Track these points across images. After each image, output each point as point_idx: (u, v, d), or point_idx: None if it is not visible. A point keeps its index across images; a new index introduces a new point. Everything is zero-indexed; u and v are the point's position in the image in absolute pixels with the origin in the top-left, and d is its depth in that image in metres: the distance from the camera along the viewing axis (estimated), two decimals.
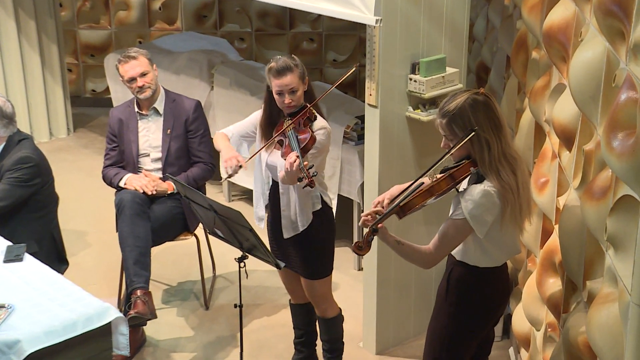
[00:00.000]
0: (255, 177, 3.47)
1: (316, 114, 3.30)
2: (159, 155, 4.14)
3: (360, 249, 2.69)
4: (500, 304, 2.85)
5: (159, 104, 4.16)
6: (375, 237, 2.73)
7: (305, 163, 3.07)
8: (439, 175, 2.69)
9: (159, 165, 4.15)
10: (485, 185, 2.63)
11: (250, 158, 3.29)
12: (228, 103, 5.23)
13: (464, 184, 2.74)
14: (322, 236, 3.40)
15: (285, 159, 3.12)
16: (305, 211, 3.33)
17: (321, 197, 3.37)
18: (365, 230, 2.76)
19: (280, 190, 3.35)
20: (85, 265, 4.66)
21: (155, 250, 4.25)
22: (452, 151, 2.65)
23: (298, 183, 3.10)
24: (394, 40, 3.54)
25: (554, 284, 2.95)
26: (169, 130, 4.14)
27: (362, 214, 2.76)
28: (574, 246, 2.66)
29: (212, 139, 4.30)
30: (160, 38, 6.17)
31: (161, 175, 4.14)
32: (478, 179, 2.65)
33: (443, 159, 2.68)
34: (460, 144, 2.62)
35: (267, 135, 3.33)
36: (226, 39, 6.23)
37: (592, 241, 2.56)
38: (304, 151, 3.15)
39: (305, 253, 3.40)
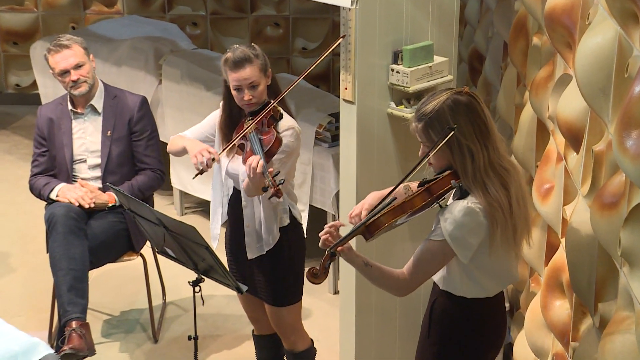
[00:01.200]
0: (214, 187, 3.46)
1: (282, 111, 3.30)
2: (98, 161, 4.12)
3: (316, 277, 2.62)
4: (493, 343, 2.81)
5: (97, 101, 4.14)
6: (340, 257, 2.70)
7: (270, 170, 3.06)
8: (415, 189, 2.66)
9: (98, 173, 4.12)
10: (469, 202, 2.58)
11: (223, 150, 3.25)
12: (179, 99, 5.21)
13: (449, 200, 2.72)
14: (290, 257, 3.40)
15: (248, 161, 3.12)
16: (272, 228, 3.33)
17: (290, 210, 3.37)
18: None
19: (243, 203, 3.34)
20: (9, 294, 4.61)
21: (93, 274, 4.21)
22: (426, 160, 2.60)
23: (263, 193, 3.10)
24: (373, 24, 3.56)
25: (561, 308, 2.98)
26: (109, 132, 4.12)
27: (321, 233, 2.69)
28: (584, 263, 2.69)
29: (160, 141, 4.30)
30: (97, 23, 6.14)
31: (100, 185, 4.11)
32: (462, 194, 2.63)
33: (416, 170, 2.63)
34: (436, 149, 2.58)
35: (227, 138, 3.33)
36: (176, 23, 6.21)
37: (604, 257, 2.59)
38: (268, 156, 3.14)
39: (270, 276, 3.40)
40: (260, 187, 3.07)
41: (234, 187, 3.38)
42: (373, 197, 2.87)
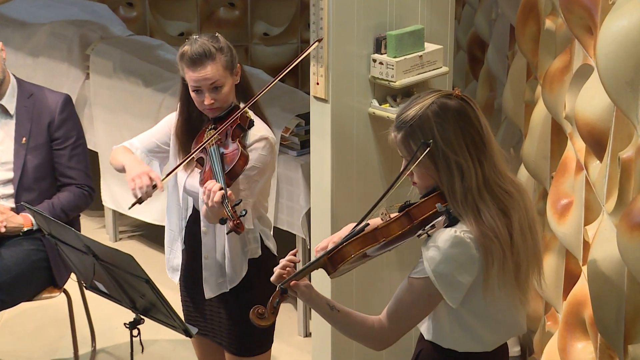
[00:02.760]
0: (169, 208, 3.44)
1: (252, 117, 3.30)
2: (10, 175, 4.10)
3: (262, 318, 2.60)
4: None
5: (9, 101, 4.12)
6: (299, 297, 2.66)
7: (230, 193, 3.05)
8: (393, 214, 2.63)
9: (10, 189, 4.10)
10: (458, 230, 2.55)
11: (167, 176, 3.25)
12: (111, 98, 5.20)
13: (438, 228, 2.66)
14: (260, 296, 3.37)
15: (203, 187, 3.11)
16: (238, 260, 3.31)
17: (261, 239, 3.37)
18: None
19: (202, 229, 3.33)
20: None
21: (4, 315, 4.17)
22: (399, 182, 2.58)
23: (220, 225, 3.09)
24: (351, 5, 3.58)
25: (584, 351, 3.00)
26: (24, 139, 4.10)
27: (280, 262, 2.67)
28: (610, 296, 2.71)
29: (89, 150, 4.28)
30: (7, 3, 6.10)
31: (13, 205, 4.09)
32: (450, 221, 2.59)
33: (389, 193, 2.61)
34: (408, 171, 2.56)
35: (184, 148, 3.32)
36: (107, 4, 6.20)
37: (634, 288, 2.61)
38: (230, 177, 3.13)
39: (234, 319, 3.38)
40: (219, 217, 3.07)
41: (193, 206, 3.38)
42: (349, 229, 2.79)
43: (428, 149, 2.54)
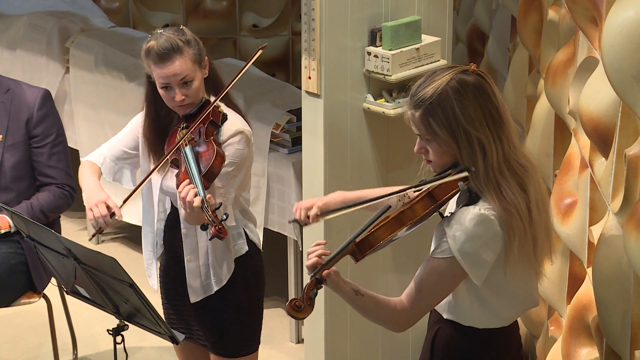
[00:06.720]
0: (145, 209, 3.45)
1: (225, 110, 3.30)
2: None
3: (299, 311, 2.65)
4: None
5: None
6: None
7: (209, 196, 3.05)
8: (412, 194, 2.71)
9: None
10: (481, 208, 2.65)
11: (125, 201, 3.28)
12: (92, 93, 5.20)
13: (450, 206, 2.78)
14: (246, 295, 3.40)
15: (179, 194, 3.11)
16: (224, 259, 3.32)
17: (245, 234, 3.37)
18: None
19: (183, 230, 3.33)
20: None
21: None
22: (430, 187, 2.66)
23: (202, 231, 3.10)
24: None
25: (589, 356, 3.01)
26: (0, 137, 4.10)
27: (309, 251, 2.73)
28: (616, 299, 2.72)
29: (70, 148, 4.28)
30: None
31: None
32: (471, 199, 2.69)
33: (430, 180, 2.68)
34: (436, 182, 2.65)
35: (155, 149, 3.32)
36: None
37: None
38: (207, 179, 3.13)
39: (219, 319, 3.39)
40: (200, 222, 3.07)
41: (172, 206, 3.38)
42: (337, 197, 2.95)
43: (466, 173, 2.64)
